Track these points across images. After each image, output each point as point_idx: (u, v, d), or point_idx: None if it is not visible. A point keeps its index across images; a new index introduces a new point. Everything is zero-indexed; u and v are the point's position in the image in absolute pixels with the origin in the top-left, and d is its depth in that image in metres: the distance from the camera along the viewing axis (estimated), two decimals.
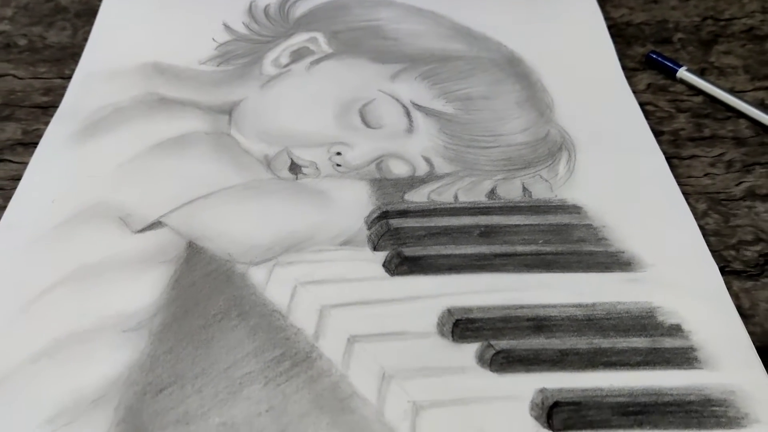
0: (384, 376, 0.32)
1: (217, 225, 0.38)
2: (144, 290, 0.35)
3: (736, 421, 0.31)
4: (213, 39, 0.52)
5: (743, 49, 0.56)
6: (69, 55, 0.52)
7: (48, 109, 0.47)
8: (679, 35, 0.57)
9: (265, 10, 0.54)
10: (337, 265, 0.37)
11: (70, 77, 0.50)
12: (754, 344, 0.35)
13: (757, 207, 0.42)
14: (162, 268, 0.36)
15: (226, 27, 0.53)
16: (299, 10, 0.55)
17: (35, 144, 0.44)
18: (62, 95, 0.48)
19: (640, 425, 0.31)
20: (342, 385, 0.32)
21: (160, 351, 0.33)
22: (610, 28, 0.56)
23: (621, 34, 0.57)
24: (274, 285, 0.36)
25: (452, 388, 0.32)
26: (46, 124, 0.46)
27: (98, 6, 0.57)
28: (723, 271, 0.38)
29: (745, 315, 0.36)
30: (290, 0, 0.55)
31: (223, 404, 0.31)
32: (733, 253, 0.40)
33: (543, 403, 0.31)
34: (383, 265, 0.37)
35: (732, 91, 0.51)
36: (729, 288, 0.37)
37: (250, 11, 0.54)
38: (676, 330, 0.34)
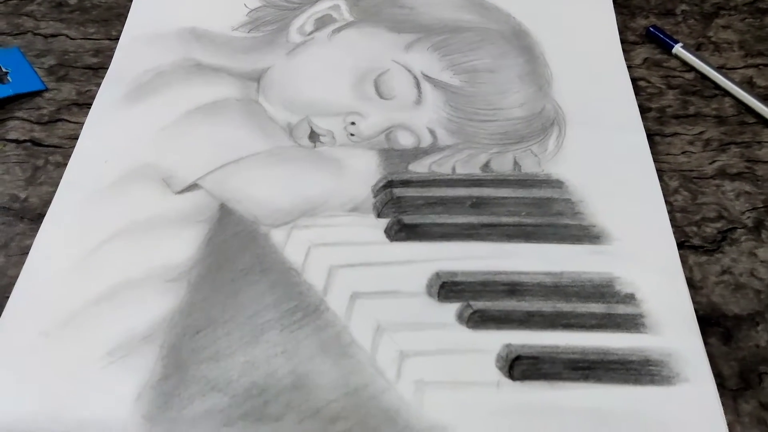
0: (378, 328, 0.39)
1: (245, 189, 0.45)
2: (183, 246, 0.42)
3: (667, 379, 0.37)
4: (245, 5, 0.57)
5: (743, 23, 0.59)
6: (115, 16, 0.58)
7: (98, 70, 0.53)
8: (683, 7, 0.60)
9: None
10: (345, 230, 0.43)
11: (116, 39, 0.55)
12: (698, 313, 0.41)
13: (725, 186, 0.47)
14: (198, 227, 0.43)
15: None
16: None
17: (88, 105, 0.51)
18: (110, 57, 0.54)
19: (586, 379, 0.37)
20: (344, 335, 0.39)
21: (197, 299, 0.40)
22: None
23: (627, 4, 0.60)
24: (292, 246, 0.42)
25: (433, 340, 0.39)
26: (97, 85, 0.52)
27: None
28: (682, 245, 0.44)
29: (695, 287, 0.42)
30: None
31: (246, 346, 0.38)
32: (694, 229, 0.45)
33: (507, 357, 0.38)
34: (384, 231, 0.43)
35: (722, 69, 0.54)
36: (685, 262, 0.43)
37: None
38: (629, 298, 0.41)
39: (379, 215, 0.44)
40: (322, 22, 0.55)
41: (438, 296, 0.40)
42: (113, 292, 0.40)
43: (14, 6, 0.58)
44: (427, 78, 0.51)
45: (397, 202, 0.44)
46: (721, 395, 0.37)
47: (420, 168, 0.47)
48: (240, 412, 0.36)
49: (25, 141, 0.48)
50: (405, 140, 0.48)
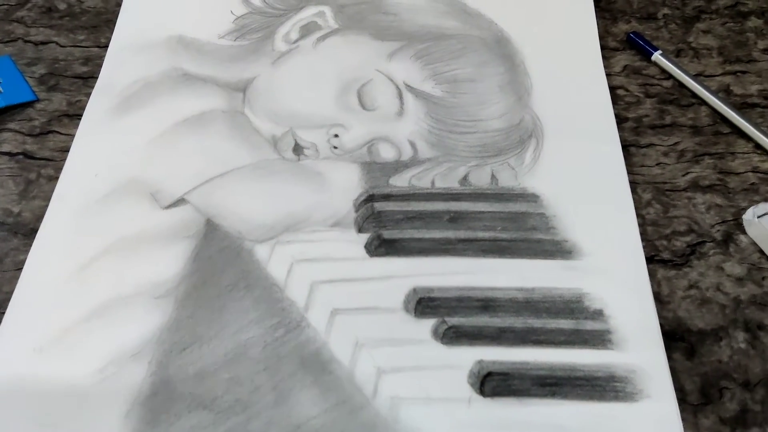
0: (357, 344, 0.41)
1: (230, 204, 0.46)
2: (171, 262, 0.44)
3: (631, 395, 0.39)
4: (231, 12, 0.58)
5: (723, 27, 0.60)
6: (104, 22, 0.58)
7: (88, 80, 0.54)
8: (665, 10, 0.61)
9: None
10: (326, 245, 0.45)
11: (105, 46, 0.56)
12: (664, 328, 0.43)
13: (696, 198, 0.49)
14: (185, 243, 0.45)
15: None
16: None
17: (78, 116, 0.52)
18: (99, 65, 0.55)
19: (553, 395, 0.39)
20: (324, 351, 0.41)
21: (184, 315, 0.42)
22: (598, 0, 0.60)
23: (609, 8, 0.61)
24: (275, 261, 0.44)
25: (409, 356, 0.41)
26: (87, 95, 0.53)
27: None
28: (652, 259, 0.46)
29: (663, 301, 0.44)
30: None
31: (230, 363, 0.40)
32: (665, 242, 0.47)
33: (479, 373, 0.40)
34: (365, 247, 0.45)
35: (700, 77, 0.56)
36: (653, 276, 0.45)
37: None
38: (598, 314, 0.42)
39: (360, 230, 0.46)
40: (307, 30, 0.56)
41: (415, 312, 0.42)
42: (104, 309, 0.42)
43: (5, 11, 0.59)
44: (410, 88, 0.52)
45: (377, 217, 0.46)
46: (683, 410, 0.39)
47: (400, 181, 0.48)
48: (224, 428, 0.38)
49: (17, 154, 0.50)
50: (386, 153, 0.49)
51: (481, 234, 0.46)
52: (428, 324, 0.42)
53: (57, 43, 0.57)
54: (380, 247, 0.45)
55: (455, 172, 0.49)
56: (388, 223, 0.46)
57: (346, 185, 0.48)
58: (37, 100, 0.53)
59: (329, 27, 0.56)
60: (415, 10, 0.57)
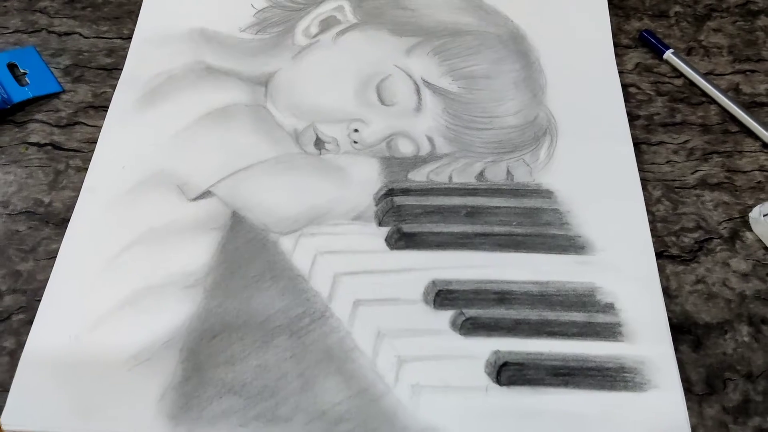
0: (378, 334, 0.43)
1: (255, 197, 0.48)
2: (199, 253, 0.46)
3: (639, 386, 0.41)
4: (252, 5, 0.59)
5: (734, 26, 0.61)
6: (126, 13, 0.60)
7: (112, 71, 0.56)
8: (677, 8, 0.62)
9: None
10: (348, 238, 0.47)
11: (128, 38, 0.57)
12: (672, 321, 0.44)
13: (705, 196, 0.51)
14: (212, 234, 0.46)
15: None
16: None
17: (104, 107, 0.53)
18: (123, 57, 0.56)
19: (566, 385, 0.41)
20: (347, 340, 0.43)
21: (213, 305, 0.44)
22: None
23: (622, 5, 0.62)
24: (299, 253, 0.46)
25: (429, 346, 0.42)
26: (112, 87, 0.54)
27: None
28: (661, 255, 0.48)
29: (671, 295, 0.46)
30: None
31: (258, 350, 0.42)
32: (673, 239, 0.49)
33: (495, 363, 0.42)
34: (385, 240, 0.47)
35: (710, 75, 0.57)
36: (662, 271, 0.47)
37: None
38: (609, 308, 0.44)
39: (380, 224, 0.47)
40: (326, 24, 0.57)
41: (434, 304, 0.44)
42: (136, 298, 0.44)
43: (28, 1, 0.60)
44: (427, 84, 0.53)
45: (397, 211, 0.48)
46: (688, 400, 0.41)
47: (419, 176, 0.50)
48: (253, 413, 0.40)
49: (45, 144, 0.51)
50: (405, 148, 0.51)
51: (497, 228, 0.47)
52: (447, 315, 0.44)
53: (80, 34, 0.58)
54: (400, 240, 0.46)
55: (472, 167, 0.50)
56: (408, 217, 0.47)
57: (367, 179, 0.49)
58: (63, 92, 0.54)
59: (348, 21, 0.57)
60: (432, 6, 0.59)
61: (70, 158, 0.50)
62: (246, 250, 0.46)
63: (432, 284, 0.45)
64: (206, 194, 0.48)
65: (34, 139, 0.51)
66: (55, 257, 0.45)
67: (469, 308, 0.44)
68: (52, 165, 0.50)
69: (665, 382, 0.41)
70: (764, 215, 0.48)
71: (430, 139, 0.51)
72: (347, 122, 0.52)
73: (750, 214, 0.49)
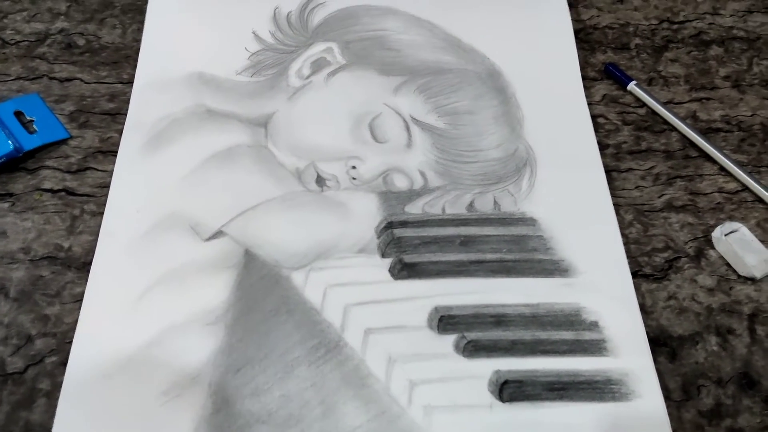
0: (390, 360, 0.47)
1: (265, 235, 0.52)
2: (217, 291, 0.49)
3: (625, 396, 0.46)
4: (245, 48, 0.62)
5: (688, 56, 0.67)
6: (123, 58, 0.62)
7: (115, 116, 0.58)
8: (637, 41, 0.68)
9: (288, 18, 0.64)
10: (355, 271, 0.51)
11: (128, 82, 0.60)
12: (649, 335, 0.50)
13: (671, 218, 0.56)
14: (228, 272, 0.50)
15: (256, 36, 0.63)
16: (316, 19, 0.64)
17: (111, 152, 0.56)
18: (125, 101, 0.59)
19: (561, 398, 0.46)
20: (361, 367, 0.47)
21: (234, 340, 0.47)
22: (578, 32, 0.67)
23: (587, 39, 0.67)
24: (311, 287, 0.49)
25: (436, 369, 0.47)
26: (117, 131, 0.57)
27: (139, 0, 0.66)
28: (636, 274, 0.53)
29: (647, 311, 0.51)
30: (308, 7, 0.65)
31: (280, 381, 0.46)
32: (646, 259, 0.54)
33: (497, 381, 0.47)
34: (389, 271, 0.51)
35: (670, 104, 0.63)
36: (638, 289, 0.52)
37: (275, 19, 0.64)
38: (594, 326, 0.49)
39: (383, 255, 0.51)
40: (317, 65, 0.61)
41: (438, 329, 0.48)
42: (161, 337, 0.47)
43: (26, 48, 0.62)
44: (415, 121, 0.58)
45: (397, 243, 0.52)
46: (667, 406, 0.46)
47: (414, 209, 0.54)
48: None
49: (59, 190, 0.54)
50: (400, 182, 0.55)
51: (489, 256, 0.52)
52: (450, 339, 0.48)
53: (81, 80, 0.60)
54: (402, 270, 0.51)
55: (462, 199, 0.55)
56: (407, 248, 0.52)
57: (367, 213, 0.53)
58: (71, 138, 0.57)
59: (338, 62, 0.61)
60: (415, 46, 0.63)
61: (85, 203, 0.53)
62: (261, 286, 0.49)
63: (435, 311, 0.49)
64: (219, 234, 0.51)
65: (47, 185, 0.54)
66: (80, 300, 0.48)
67: (469, 332, 0.48)
68: (68, 210, 0.53)
69: (647, 391, 0.46)
70: (725, 235, 0.53)
71: (422, 174, 0.56)
72: (345, 159, 0.56)
73: (713, 234, 0.54)
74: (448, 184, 0.55)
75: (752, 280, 0.52)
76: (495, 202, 0.54)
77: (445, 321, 0.48)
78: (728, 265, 0.53)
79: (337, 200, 0.54)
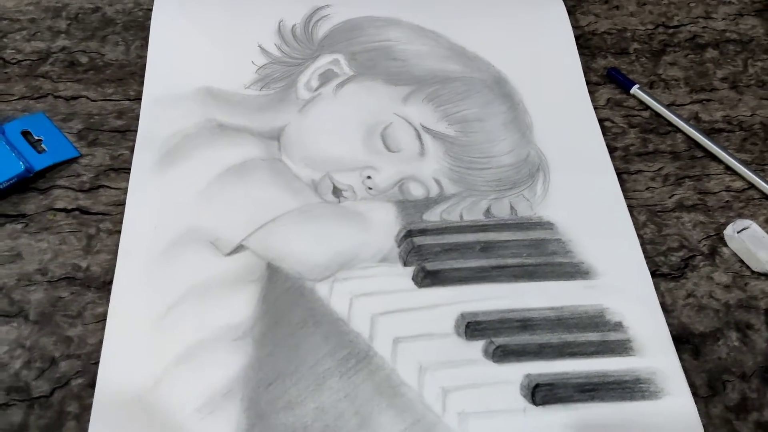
0: (421, 368, 0.47)
1: (286, 247, 0.51)
2: (242, 305, 0.49)
3: (655, 394, 0.47)
4: (252, 62, 0.62)
5: (686, 59, 0.68)
6: (128, 74, 0.62)
7: (125, 133, 0.58)
8: (635, 45, 0.69)
9: (293, 31, 0.64)
10: (379, 280, 0.50)
11: (135, 99, 0.60)
12: (672, 333, 0.50)
13: (683, 217, 0.57)
14: (252, 286, 0.49)
15: (262, 49, 0.63)
16: (321, 31, 0.65)
17: (124, 169, 0.55)
18: (133, 118, 0.58)
19: (592, 399, 0.46)
20: (393, 376, 0.46)
21: (263, 354, 0.47)
22: (578, 38, 0.68)
23: (587, 44, 0.68)
24: (336, 298, 0.49)
25: (467, 375, 0.47)
26: (128, 149, 0.57)
27: (140, 16, 0.65)
28: (654, 274, 0.53)
29: (667, 310, 0.52)
30: (312, 20, 0.65)
31: (313, 393, 0.45)
32: (662, 258, 0.55)
33: (528, 385, 0.47)
34: (412, 279, 0.51)
35: (672, 106, 0.64)
36: (657, 288, 0.52)
37: (280, 32, 0.64)
38: (618, 326, 0.50)
39: (405, 264, 0.51)
40: (325, 77, 0.61)
41: (465, 335, 0.48)
42: (189, 354, 0.46)
43: (29, 67, 0.61)
44: (426, 129, 0.58)
45: (418, 251, 0.52)
46: (695, 402, 0.47)
47: (433, 217, 0.54)
48: None
49: (73, 210, 0.53)
50: (416, 191, 0.55)
51: (510, 261, 0.52)
52: (478, 345, 0.48)
53: (87, 98, 0.60)
54: (426, 278, 0.51)
55: (479, 205, 0.55)
56: (429, 256, 0.52)
57: (386, 223, 0.53)
58: (81, 156, 0.56)
59: (345, 74, 0.62)
60: (420, 56, 0.63)
61: (100, 222, 0.52)
62: (286, 298, 0.49)
63: (461, 317, 0.49)
64: (240, 248, 0.51)
65: (59, 205, 0.53)
66: (102, 321, 0.48)
67: (497, 337, 0.48)
68: (83, 230, 0.52)
69: (676, 388, 0.47)
70: (737, 232, 0.54)
71: (438, 181, 0.56)
72: (360, 170, 0.56)
73: (725, 232, 0.55)
74: (463, 190, 0.55)
75: (766, 275, 0.53)
76: (511, 207, 0.55)
77: (473, 327, 0.49)
78: (741, 261, 0.54)
79: (355, 210, 0.54)
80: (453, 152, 0.57)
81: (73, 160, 0.56)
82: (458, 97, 0.61)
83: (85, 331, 0.47)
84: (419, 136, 0.57)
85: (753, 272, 0.54)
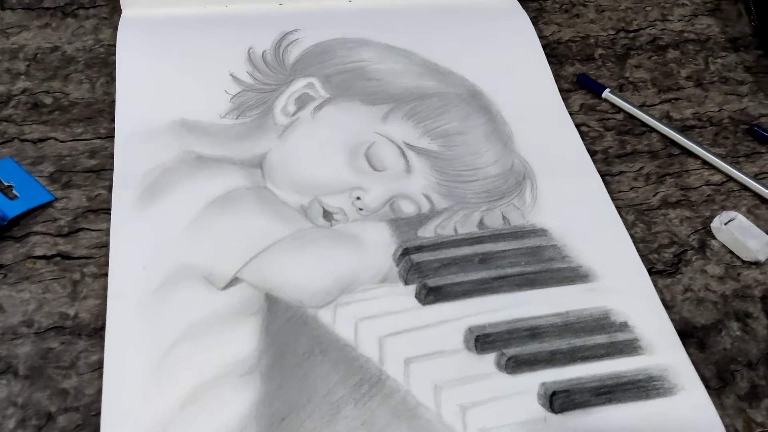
0: (435, 387, 0.46)
1: (282, 276, 0.50)
2: (244, 339, 0.47)
3: (669, 390, 0.47)
4: (226, 91, 0.61)
5: (650, 61, 0.70)
6: (96, 112, 0.60)
7: (100, 172, 0.56)
8: (600, 51, 0.70)
9: (264, 58, 0.63)
10: (382, 301, 0.49)
11: (107, 137, 0.58)
12: (675, 328, 0.50)
13: (670, 214, 0.58)
14: (252, 319, 0.48)
15: (234, 78, 0.62)
16: (292, 56, 0.64)
17: (102, 210, 0.53)
18: (107, 157, 0.56)
19: (609, 402, 0.46)
20: (408, 398, 0.45)
21: (273, 388, 0.45)
22: (544, 48, 0.69)
23: (554, 53, 0.69)
24: (340, 323, 0.48)
25: (483, 390, 0.46)
26: (105, 188, 0.54)
27: (102, 53, 0.63)
28: (650, 272, 0.54)
29: (668, 306, 0.52)
30: (282, 45, 0.64)
31: (329, 424, 0.44)
32: (656, 256, 0.55)
33: (545, 394, 0.46)
34: (415, 297, 0.50)
35: (644, 107, 0.65)
36: (655, 285, 0.53)
37: (250, 59, 0.63)
38: (624, 326, 0.50)
39: (406, 282, 0.50)
40: (302, 101, 0.60)
41: (476, 349, 0.48)
42: (196, 395, 0.44)
43: None
44: (409, 146, 0.57)
45: (417, 268, 0.51)
46: (708, 395, 0.47)
47: (427, 232, 0.53)
48: None
49: (53, 256, 0.50)
50: (407, 208, 0.55)
51: (510, 270, 0.52)
52: (490, 358, 0.47)
53: (56, 139, 0.57)
54: (429, 295, 0.50)
55: (471, 217, 0.55)
56: (429, 272, 0.51)
57: (381, 242, 0.52)
58: (56, 200, 0.53)
59: (321, 96, 0.61)
60: (395, 74, 0.63)
61: (84, 266, 0.50)
62: (289, 328, 0.47)
63: (469, 331, 0.48)
64: (235, 281, 0.49)
65: (38, 252, 0.51)
66: (98, 369, 0.45)
67: (507, 348, 0.48)
68: (67, 276, 0.49)
69: (688, 383, 0.47)
70: (725, 224, 0.55)
71: (427, 197, 0.55)
72: (348, 191, 0.55)
73: (712, 225, 0.56)
74: (454, 204, 0.55)
75: (756, 264, 0.54)
76: (504, 217, 0.55)
77: (482, 340, 0.48)
78: (731, 252, 0.55)
79: (348, 233, 0.53)
80: (439, 167, 0.57)
81: (47, 205, 0.53)
82: (437, 112, 0.60)
83: (81, 381, 0.45)
84: (403, 154, 0.57)
85: (744, 262, 0.55)
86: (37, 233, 0.51)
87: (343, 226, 0.53)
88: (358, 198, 0.54)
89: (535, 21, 0.71)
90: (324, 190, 0.55)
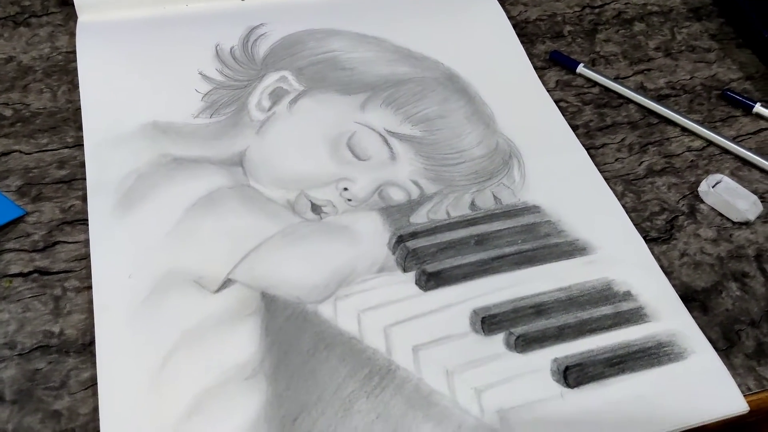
0: (447, 372, 0.44)
1: (276, 274, 0.48)
2: (244, 342, 0.45)
3: (680, 355, 0.46)
4: (196, 90, 0.58)
5: (618, 35, 0.70)
6: (61, 121, 0.57)
7: (71, 182, 0.53)
8: (568, 28, 0.70)
9: (232, 54, 0.61)
10: (383, 291, 0.48)
11: (75, 146, 0.55)
12: (677, 293, 0.50)
13: (657, 182, 0.58)
14: (250, 320, 0.46)
15: (203, 76, 0.59)
16: (261, 50, 0.62)
17: (79, 221, 0.50)
18: (78, 165, 0.53)
19: (623, 372, 0.45)
20: (421, 386, 0.44)
21: (281, 389, 0.43)
22: (513, 27, 0.68)
23: (524, 33, 0.69)
24: (342, 317, 0.46)
25: (496, 371, 0.45)
26: (78, 198, 0.52)
27: (60, 60, 0.61)
28: (645, 240, 0.53)
29: (667, 272, 0.52)
30: (250, 39, 0.62)
31: (343, 420, 0.42)
32: (649, 224, 0.55)
33: (558, 369, 0.45)
34: (416, 283, 0.49)
35: (618, 79, 0.65)
36: (652, 252, 0.52)
37: (218, 56, 0.61)
38: (627, 295, 0.49)
39: (404, 270, 0.49)
40: (276, 96, 0.58)
41: (483, 331, 0.46)
42: (199, 404, 0.42)
43: None
44: (391, 133, 0.56)
45: (414, 254, 0.50)
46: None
47: (419, 218, 0.52)
48: None
49: (31, 272, 0.48)
50: (396, 195, 0.53)
51: (507, 249, 0.51)
52: (499, 339, 0.46)
53: (20, 152, 0.54)
54: (429, 281, 0.48)
55: (462, 200, 0.54)
56: (426, 258, 0.50)
57: (374, 232, 0.51)
58: (27, 214, 0.50)
59: (295, 89, 0.59)
60: (368, 62, 0.62)
61: (64, 280, 0.47)
62: (290, 326, 0.45)
63: (474, 314, 0.47)
64: (228, 283, 0.47)
65: (14, 269, 0.48)
66: (91, 386, 0.43)
67: (515, 327, 0.47)
68: (47, 292, 0.47)
69: (698, 346, 0.47)
70: (712, 186, 0.55)
71: (416, 183, 0.54)
72: (335, 183, 0.53)
73: (699, 189, 0.56)
74: (444, 188, 0.54)
75: (746, 224, 0.54)
76: (495, 197, 0.54)
77: (488, 321, 0.47)
78: (721, 214, 0.55)
79: (340, 224, 0.51)
80: (423, 152, 0.55)
81: (19, 220, 0.50)
82: (415, 97, 0.59)
83: (74, 401, 0.42)
84: (386, 141, 0.55)
85: (734, 223, 0.55)
86: (10, 250, 0.48)
87: (334, 218, 0.51)
88: (346, 189, 0.53)
89: (502, 2, 0.70)
90: (309, 183, 0.53)
